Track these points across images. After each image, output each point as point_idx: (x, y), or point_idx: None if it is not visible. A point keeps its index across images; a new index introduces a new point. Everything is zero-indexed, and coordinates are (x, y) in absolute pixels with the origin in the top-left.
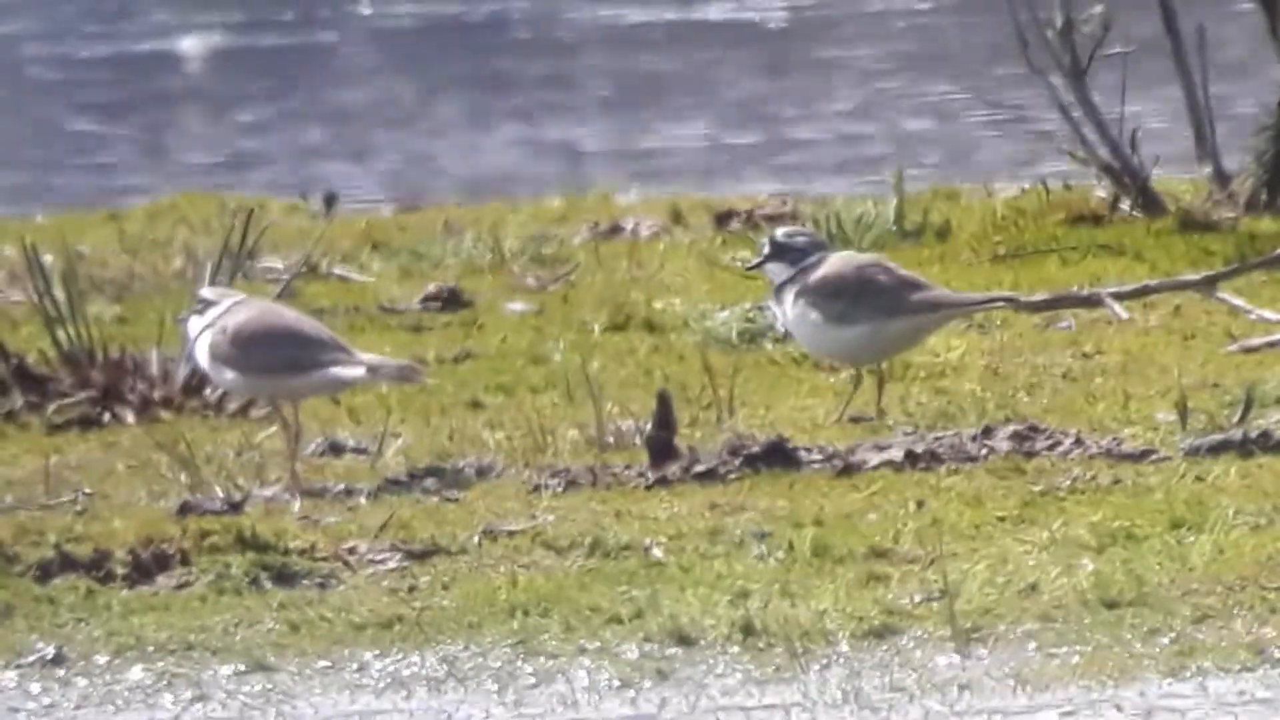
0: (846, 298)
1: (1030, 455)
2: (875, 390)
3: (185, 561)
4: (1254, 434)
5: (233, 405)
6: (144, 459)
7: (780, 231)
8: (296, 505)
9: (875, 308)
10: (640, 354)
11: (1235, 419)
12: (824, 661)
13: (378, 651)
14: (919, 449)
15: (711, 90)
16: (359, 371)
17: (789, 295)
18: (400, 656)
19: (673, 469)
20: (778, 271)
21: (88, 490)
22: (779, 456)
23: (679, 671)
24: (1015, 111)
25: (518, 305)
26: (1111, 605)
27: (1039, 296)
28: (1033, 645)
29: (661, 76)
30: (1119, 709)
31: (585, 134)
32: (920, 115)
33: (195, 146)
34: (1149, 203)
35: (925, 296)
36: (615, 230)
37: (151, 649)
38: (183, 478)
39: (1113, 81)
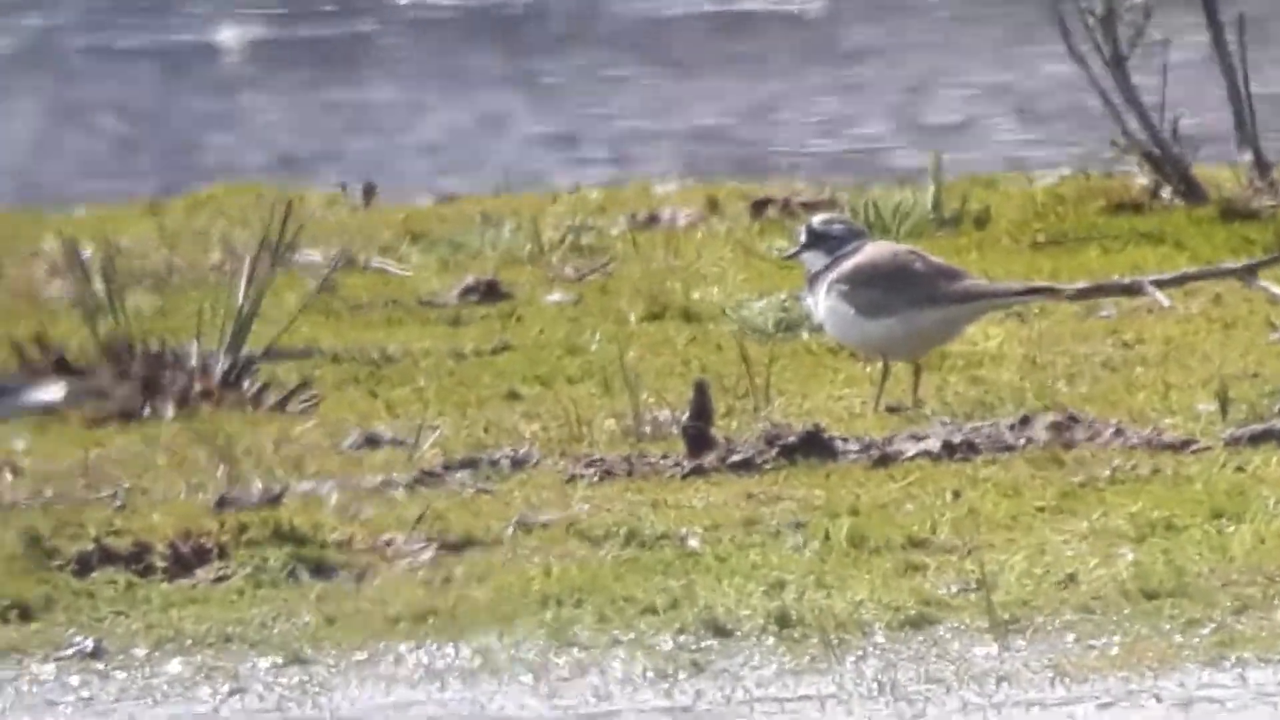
0: (879, 287)
1: (1069, 445)
2: (912, 380)
3: (223, 555)
4: None
5: (271, 399)
6: (183, 452)
7: (817, 219)
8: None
9: (909, 298)
10: (677, 344)
11: (1276, 408)
12: (860, 652)
13: (413, 643)
14: (956, 439)
15: (750, 78)
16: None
17: (823, 285)
18: (435, 648)
19: (709, 459)
20: (814, 260)
21: (127, 484)
22: (815, 446)
23: (714, 663)
24: (1055, 99)
25: (556, 296)
26: (1151, 596)
27: (1079, 285)
28: (1071, 636)
29: (700, 66)
30: (1158, 699)
31: (622, 124)
32: (960, 101)
33: (234, 138)
34: (1190, 190)
35: (960, 287)
36: (653, 220)
37: (190, 642)
38: (221, 471)
39: (1154, 68)
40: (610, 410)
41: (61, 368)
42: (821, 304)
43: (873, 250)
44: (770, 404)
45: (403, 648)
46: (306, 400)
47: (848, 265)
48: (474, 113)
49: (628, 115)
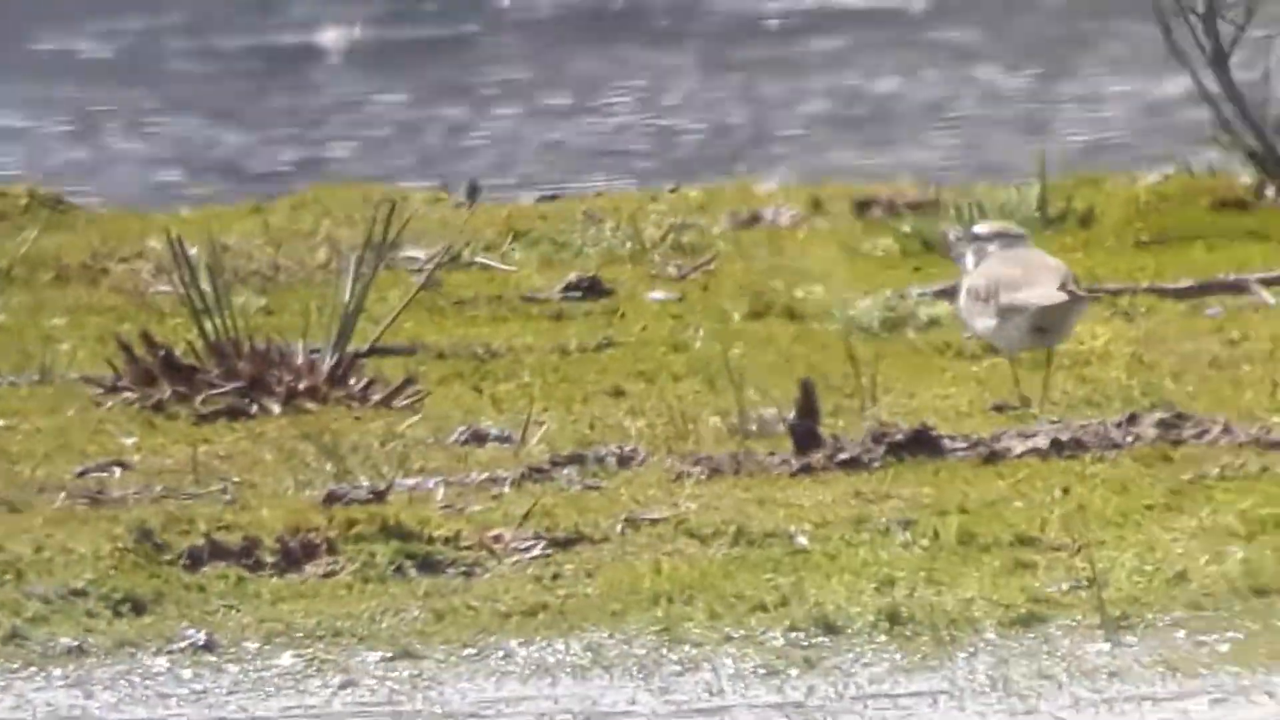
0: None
1: (1177, 443)
2: (1040, 378)
3: (332, 550)
4: None
5: (376, 395)
6: (290, 449)
7: (979, 225)
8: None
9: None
10: (781, 342)
11: None
12: (971, 649)
13: (522, 639)
14: (1064, 437)
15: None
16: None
17: (964, 285)
18: (545, 644)
19: (816, 457)
20: (966, 262)
21: (235, 479)
22: (923, 444)
23: (825, 659)
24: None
25: (658, 294)
26: (1261, 593)
27: (1185, 283)
28: (1182, 633)
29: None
30: (1270, 695)
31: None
32: (1062, 100)
33: (337, 138)
34: None
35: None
36: (755, 219)
37: (300, 635)
38: (328, 467)
39: (1258, 65)
40: (715, 408)
41: (169, 366)
42: (962, 302)
43: (1009, 255)
44: (877, 402)
45: (513, 643)
46: (412, 396)
47: (983, 267)
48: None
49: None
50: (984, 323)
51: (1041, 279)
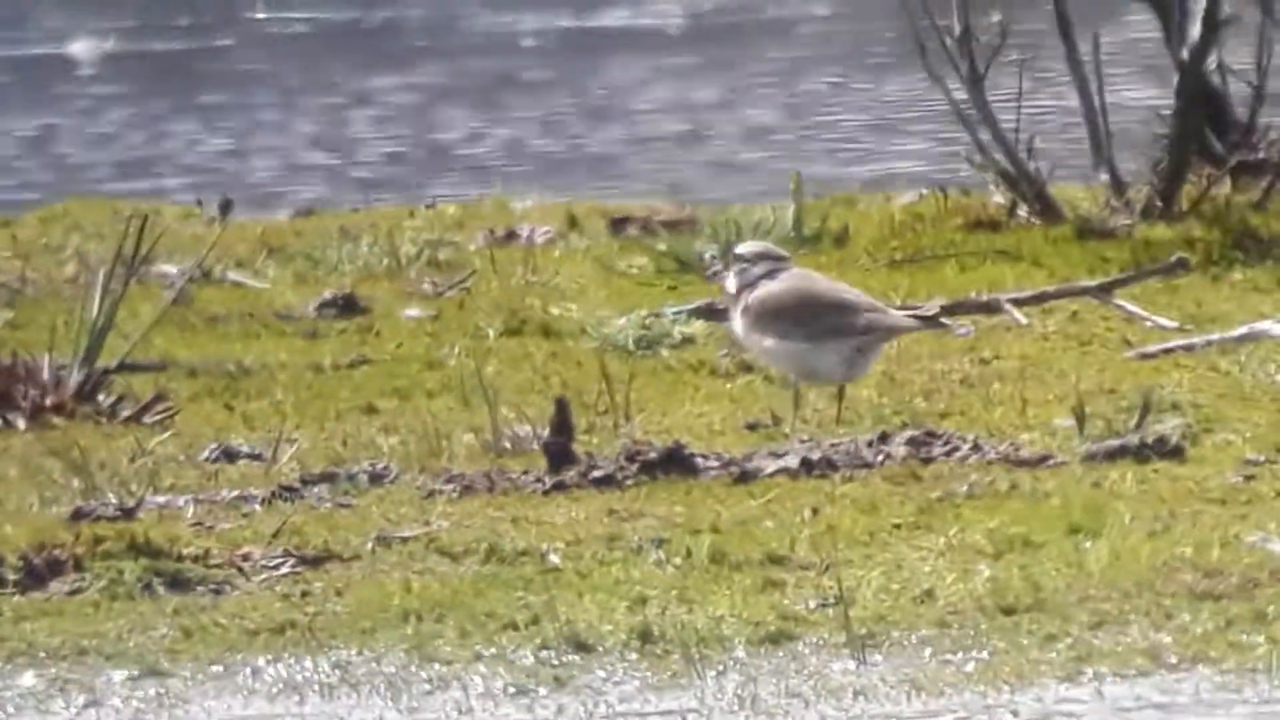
0: (786, 319)
1: (927, 461)
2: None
3: (78, 567)
4: (1150, 440)
5: (125, 411)
6: (36, 465)
7: (741, 246)
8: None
9: (808, 332)
10: (537, 359)
11: (1132, 425)
12: (720, 667)
13: (271, 657)
14: (815, 456)
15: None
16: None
17: (738, 309)
18: (294, 662)
19: (570, 475)
20: (731, 284)
21: None
22: (676, 463)
23: (576, 678)
24: (912, 118)
25: (414, 311)
26: (1008, 611)
27: (938, 304)
28: (929, 651)
29: (553, 83)
30: (1015, 714)
31: (479, 139)
32: (818, 120)
33: (87, 152)
34: (1046, 209)
35: (862, 320)
36: (511, 236)
37: (44, 655)
38: (75, 483)
39: (1009, 87)
40: (469, 425)
41: None
42: (738, 327)
43: (786, 279)
44: (631, 421)
45: (261, 661)
46: (162, 413)
47: (760, 293)
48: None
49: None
50: (781, 345)
51: (873, 302)
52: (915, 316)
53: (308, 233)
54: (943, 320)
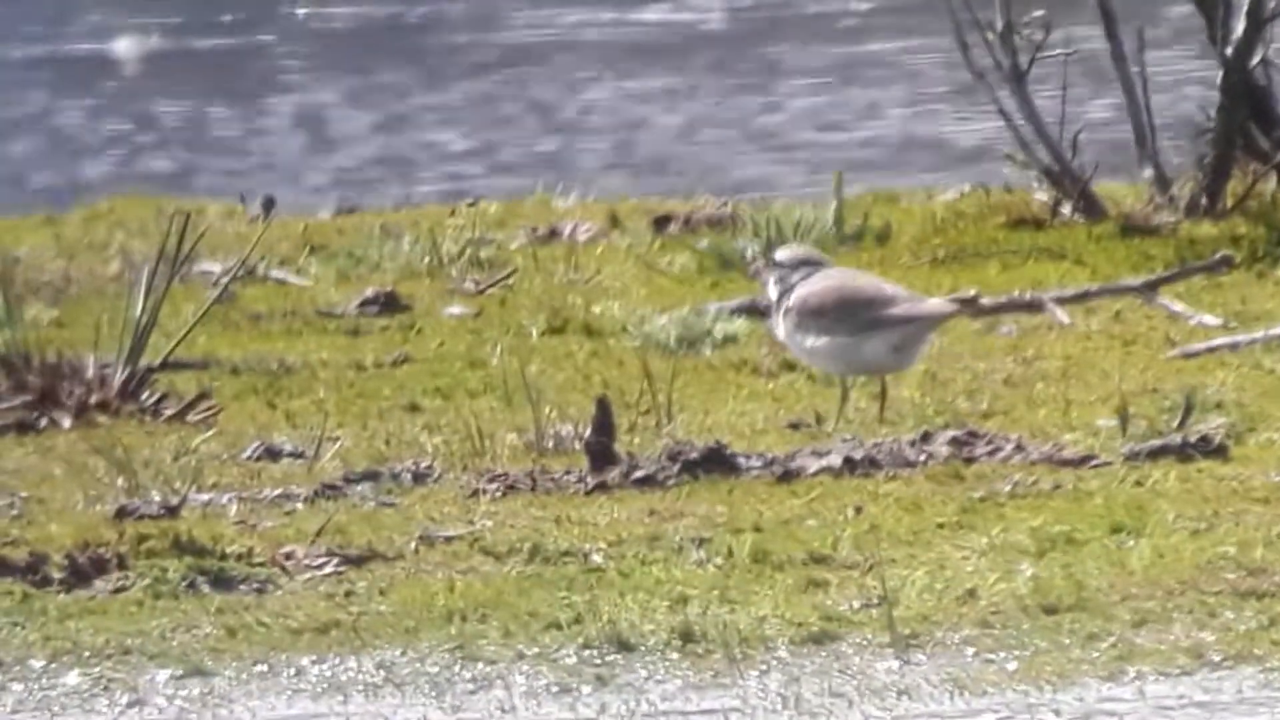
0: (828, 315)
1: (970, 461)
2: (838, 400)
3: (122, 566)
4: (1193, 439)
5: (169, 410)
6: (80, 463)
7: (780, 250)
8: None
9: (849, 326)
10: (579, 358)
11: (1175, 424)
12: (763, 667)
13: (314, 656)
14: (858, 455)
15: (650, 92)
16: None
17: (780, 310)
18: (337, 661)
19: (612, 474)
20: (771, 287)
21: (24, 494)
22: (718, 462)
23: (618, 677)
24: (956, 114)
25: (456, 309)
26: (1050, 610)
27: (975, 296)
28: (971, 650)
29: (596, 79)
30: (1057, 713)
31: (517, 137)
32: (860, 118)
33: (131, 149)
34: (1090, 207)
35: (897, 312)
36: (553, 234)
37: (88, 653)
38: (119, 482)
39: (1054, 85)
40: (512, 424)
41: None
42: (781, 327)
43: (822, 278)
44: (673, 420)
45: (304, 660)
46: (205, 411)
47: (800, 293)
48: (372, 124)
49: (520, 126)
50: (826, 342)
51: (912, 294)
52: (954, 299)
53: (349, 230)
54: (982, 302)
